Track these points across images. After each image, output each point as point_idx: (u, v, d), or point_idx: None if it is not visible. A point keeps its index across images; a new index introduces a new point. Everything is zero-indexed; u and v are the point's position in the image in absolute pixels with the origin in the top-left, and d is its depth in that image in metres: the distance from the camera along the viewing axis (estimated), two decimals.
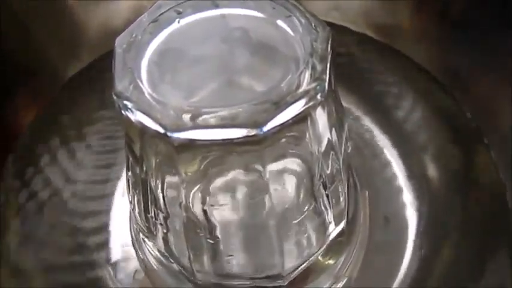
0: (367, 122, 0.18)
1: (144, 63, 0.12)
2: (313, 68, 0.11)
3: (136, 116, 0.11)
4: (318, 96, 0.11)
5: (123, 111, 0.11)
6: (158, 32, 0.12)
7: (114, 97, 0.11)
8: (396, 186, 0.17)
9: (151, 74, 0.12)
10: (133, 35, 0.12)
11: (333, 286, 0.15)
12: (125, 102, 0.11)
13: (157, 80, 0.12)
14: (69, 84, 0.20)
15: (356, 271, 0.16)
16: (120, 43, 0.12)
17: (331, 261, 0.15)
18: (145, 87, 0.12)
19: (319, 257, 0.15)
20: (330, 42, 0.12)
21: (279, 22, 0.12)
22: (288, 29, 0.12)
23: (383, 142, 0.18)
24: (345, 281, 0.16)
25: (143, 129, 0.11)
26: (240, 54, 0.12)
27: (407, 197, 0.17)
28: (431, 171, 0.18)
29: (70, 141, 0.19)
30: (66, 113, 0.19)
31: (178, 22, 0.13)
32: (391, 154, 0.18)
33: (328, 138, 0.13)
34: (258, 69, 0.12)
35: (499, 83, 0.18)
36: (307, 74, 0.11)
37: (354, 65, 0.20)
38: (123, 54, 0.12)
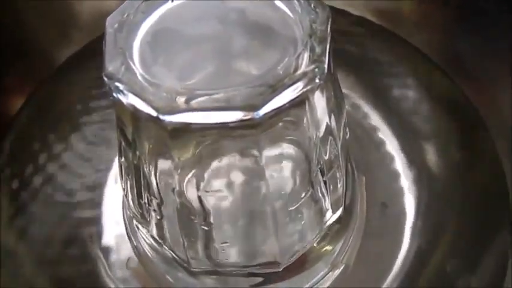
0: (365, 107, 0.18)
1: (137, 44, 0.12)
2: (312, 49, 0.11)
3: (128, 99, 0.11)
4: (317, 79, 0.11)
5: (114, 94, 0.11)
6: (151, 11, 0.12)
7: (105, 78, 0.11)
8: (394, 172, 0.17)
9: (144, 55, 0.11)
10: (125, 15, 0.12)
11: (330, 273, 0.15)
12: (116, 84, 0.11)
13: (150, 61, 0.11)
14: (62, 67, 0.20)
15: (353, 258, 0.16)
16: (111, 23, 0.12)
17: (327, 248, 0.15)
18: (138, 68, 0.11)
19: (315, 244, 0.14)
20: (329, 23, 0.11)
21: (277, 2, 0.12)
22: (287, 10, 0.12)
23: (381, 127, 0.18)
24: (341, 268, 0.15)
25: (135, 112, 0.11)
26: (237, 36, 0.12)
27: (405, 183, 0.17)
28: (430, 157, 0.17)
29: (62, 125, 0.18)
30: (58, 96, 0.19)
31: (172, 1, 0.12)
32: (389, 140, 0.18)
33: (327, 123, 0.12)
34: (255, 51, 0.12)
35: (501, 69, 0.18)
36: (305, 56, 0.11)
37: (352, 48, 0.19)
38: (115, 34, 0.11)
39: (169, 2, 0.12)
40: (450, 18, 0.19)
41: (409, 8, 0.20)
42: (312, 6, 0.12)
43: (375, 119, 0.18)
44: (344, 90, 0.14)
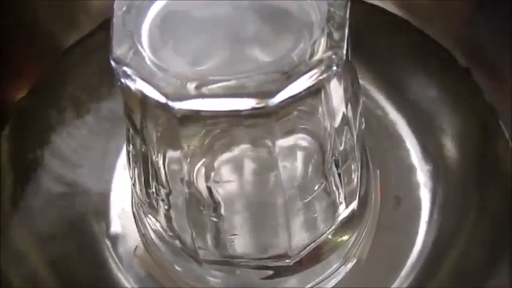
0: (382, 100, 0.18)
1: (145, 27, 0.11)
2: (330, 35, 0.11)
3: (137, 84, 0.10)
4: (334, 67, 0.10)
5: (122, 79, 0.11)
6: None
7: (113, 63, 0.11)
8: (410, 166, 0.17)
9: (153, 39, 0.11)
10: None
11: (342, 267, 0.15)
12: (124, 68, 0.10)
13: (160, 45, 0.11)
14: (69, 52, 0.19)
15: (366, 252, 0.15)
16: (119, 5, 0.11)
17: (340, 242, 0.15)
18: (147, 52, 0.11)
19: (329, 236, 0.14)
20: (348, 8, 0.11)
21: None
22: None
23: (397, 120, 0.17)
24: (354, 262, 0.15)
25: (143, 98, 0.11)
26: (250, 20, 0.11)
27: (421, 177, 0.16)
28: (447, 152, 0.17)
29: (68, 111, 0.18)
30: (65, 82, 0.19)
31: None
32: (405, 132, 0.17)
33: (343, 112, 0.12)
34: (269, 36, 0.11)
35: None
36: (322, 42, 0.10)
37: (368, 39, 0.19)
38: (123, 17, 0.11)
39: None
40: (468, 8, 0.18)
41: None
42: None
43: (391, 111, 0.17)
44: (361, 82, 0.14)
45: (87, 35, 0.19)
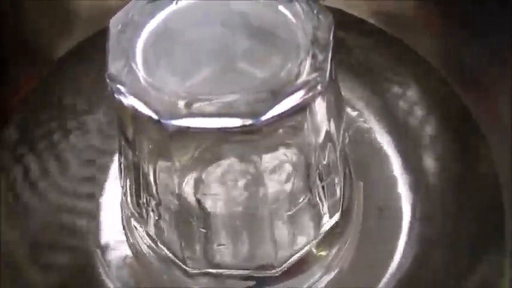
0: (364, 112, 0.18)
1: (140, 46, 0.12)
2: (314, 57, 0.11)
3: (129, 101, 0.11)
4: (318, 87, 0.11)
5: (115, 95, 0.11)
6: (155, 13, 0.12)
7: (107, 80, 0.11)
8: (391, 178, 0.17)
9: (147, 57, 0.11)
10: (129, 15, 0.12)
11: (325, 276, 0.15)
12: (118, 86, 0.11)
13: (153, 63, 0.11)
14: (62, 61, 0.20)
15: (348, 262, 0.16)
16: (115, 23, 0.12)
17: (324, 252, 0.15)
18: (140, 70, 0.11)
19: (313, 247, 0.14)
20: (332, 30, 0.11)
21: (281, 7, 0.12)
22: (290, 15, 0.12)
23: (380, 133, 0.18)
24: (336, 272, 0.16)
25: (136, 113, 0.11)
26: (240, 39, 0.12)
27: (402, 189, 0.17)
28: (427, 164, 0.17)
29: (62, 121, 0.18)
30: (59, 90, 0.19)
31: (176, 3, 0.12)
32: (387, 145, 0.18)
33: (327, 129, 0.12)
34: (258, 55, 0.12)
35: (502, 76, 0.18)
36: (307, 63, 0.11)
37: (353, 53, 0.19)
38: (118, 35, 0.11)
39: (174, 4, 0.12)
40: (453, 23, 0.19)
41: (411, 12, 0.20)
42: (315, 12, 0.12)
43: (374, 125, 0.18)
44: (344, 94, 0.14)
45: (81, 45, 0.20)
